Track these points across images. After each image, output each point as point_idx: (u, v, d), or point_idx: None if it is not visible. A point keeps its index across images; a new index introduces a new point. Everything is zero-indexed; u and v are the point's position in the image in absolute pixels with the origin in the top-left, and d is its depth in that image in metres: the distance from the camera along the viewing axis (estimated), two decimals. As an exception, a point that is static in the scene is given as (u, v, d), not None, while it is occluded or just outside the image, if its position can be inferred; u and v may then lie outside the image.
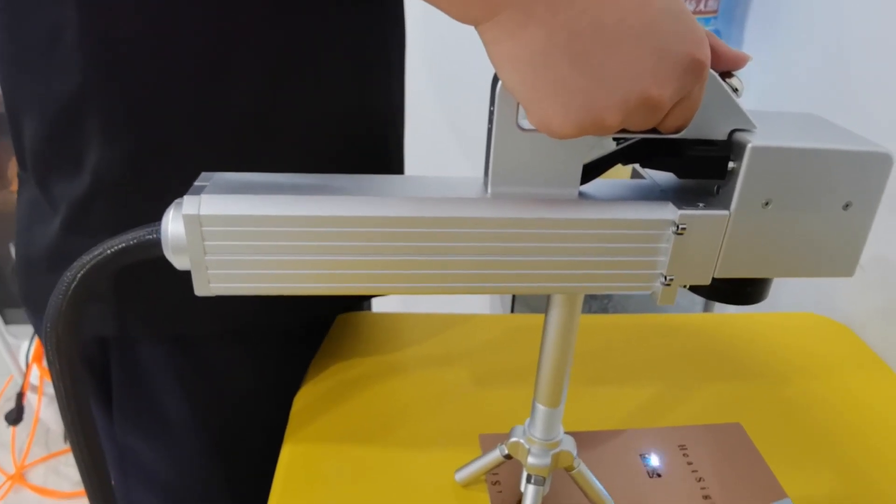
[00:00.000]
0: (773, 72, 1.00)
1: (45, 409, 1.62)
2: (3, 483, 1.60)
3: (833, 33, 0.87)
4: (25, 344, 1.62)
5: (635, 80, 0.30)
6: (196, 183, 0.36)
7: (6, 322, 1.68)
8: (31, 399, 1.62)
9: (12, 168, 1.96)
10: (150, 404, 0.57)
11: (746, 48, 1.09)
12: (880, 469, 0.57)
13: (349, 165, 0.55)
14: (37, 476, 1.63)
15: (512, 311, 1.32)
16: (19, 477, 1.62)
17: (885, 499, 0.54)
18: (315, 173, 0.39)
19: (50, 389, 1.60)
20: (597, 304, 1.28)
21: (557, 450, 0.47)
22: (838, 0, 0.86)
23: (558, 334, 0.42)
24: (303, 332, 0.66)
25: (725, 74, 0.36)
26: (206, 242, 0.35)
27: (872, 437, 0.60)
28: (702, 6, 1.07)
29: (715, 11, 1.09)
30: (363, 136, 0.57)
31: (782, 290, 0.95)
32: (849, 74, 0.84)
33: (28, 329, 1.63)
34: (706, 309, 1.22)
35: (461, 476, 0.53)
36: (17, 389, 1.63)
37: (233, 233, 0.35)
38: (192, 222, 0.34)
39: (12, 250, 1.73)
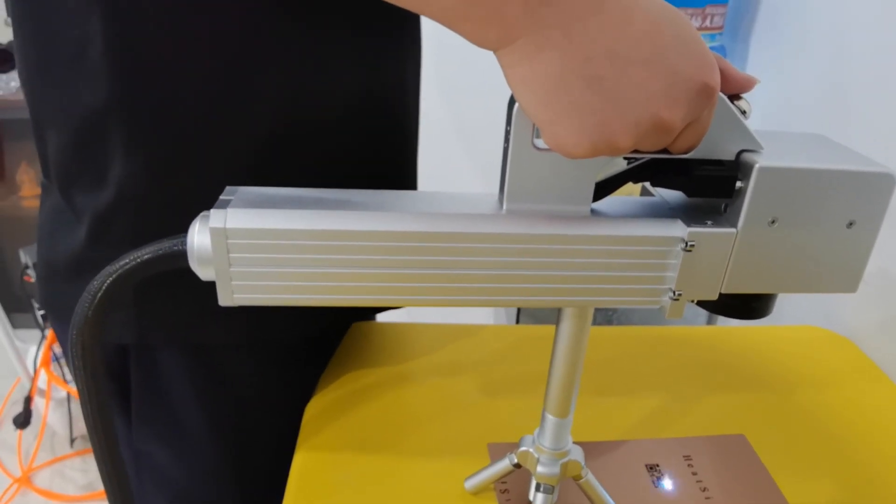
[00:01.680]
0: (778, 87, 1.01)
1: (52, 414, 1.63)
2: (10, 486, 1.61)
3: (837, 49, 0.89)
4: (34, 349, 1.63)
5: (648, 103, 0.31)
6: (222, 197, 0.37)
7: (14, 326, 1.69)
8: (38, 403, 1.63)
9: (21, 174, 1.98)
10: (167, 411, 0.58)
11: (751, 64, 1.10)
12: (883, 480, 0.57)
13: (364, 179, 0.56)
14: (43, 480, 1.64)
15: (517, 322, 1.33)
16: (25, 480, 1.62)
17: (888, 511, 0.55)
18: (335, 188, 0.40)
19: (57, 394, 1.62)
20: (601, 315, 1.29)
21: (566, 459, 0.48)
22: (842, 16, 0.88)
23: (569, 346, 0.43)
24: (316, 343, 0.67)
25: (734, 97, 0.37)
26: (232, 255, 0.36)
27: (875, 448, 0.61)
28: (707, 23, 1.09)
29: (720, 28, 1.11)
30: (378, 150, 0.58)
31: (786, 304, 0.96)
32: (853, 89, 0.85)
33: (36, 334, 1.65)
34: (710, 321, 1.23)
35: (470, 484, 0.54)
36: (24, 393, 1.65)
37: (257, 245, 0.36)
38: (219, 235, 0.36)
39: (21, 255, 1.73)
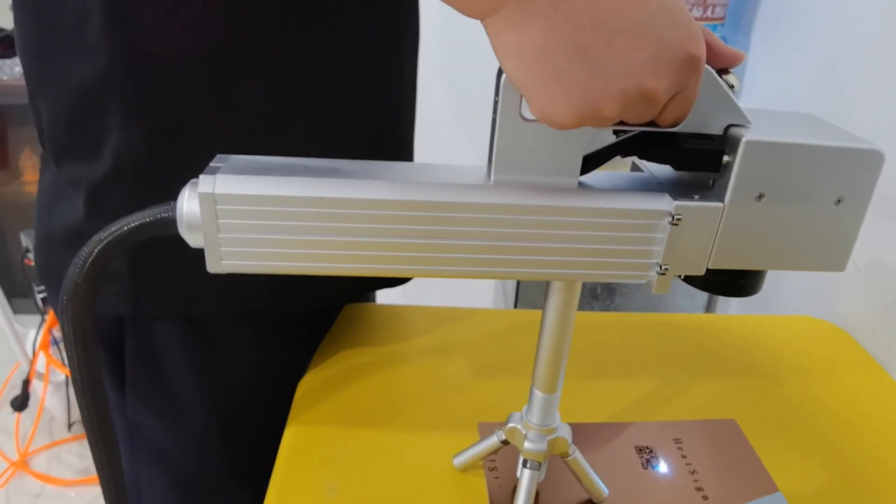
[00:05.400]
0: (779, 78, 1.01)
1: (50, 397, 1.64)
2: (6, 469, 1.61)
3: (838, 40, 0.88)
4: (33, 332, 1.64)
5: (632, 72, 0.31)
6: (212, 164, 0.38)
7: (15, 312, 1.70)
8: (36, 387, 1.64)
9: (24, 159, 1.99)
10: (162, 382, 0.59)
11: (753, 55, 1.10)
12: (871, 466, 0.58)
13: (360, 151, 0.57)
14: (40, 463, 1.65)
15: (515, 307, 1.33)
16: (22, 464, 1.63)
17: (874, 495, 0.55)
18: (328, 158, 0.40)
19: (55, 377, 1.62)
20: (599, 304, 1.29)
21: (553, 436, 0.48)
22: (843, 8, 0.87)
23: (556, 321, 0.44)
24: (312, 320, 0.67)
25: (722, 71, 0.37)
26: (220, 220, 0.36)
27: (863, 435, 0.61)
28: (709, 13, 1.08)
29: (722, 18, 1.10)
30: (374, 129, 0.58)
31: (781, 293, 0.96)
32: (854, 81, 0.85)
33: (35, 318, 1.65)
34: (709, 311, 1.23)
35: (459, 461, 0.54)
36: (23, 377, 1.65)
37: (246, 212, 0.36)
38: (207, 201, 0.36)
39: (22, 239, 1.73)
